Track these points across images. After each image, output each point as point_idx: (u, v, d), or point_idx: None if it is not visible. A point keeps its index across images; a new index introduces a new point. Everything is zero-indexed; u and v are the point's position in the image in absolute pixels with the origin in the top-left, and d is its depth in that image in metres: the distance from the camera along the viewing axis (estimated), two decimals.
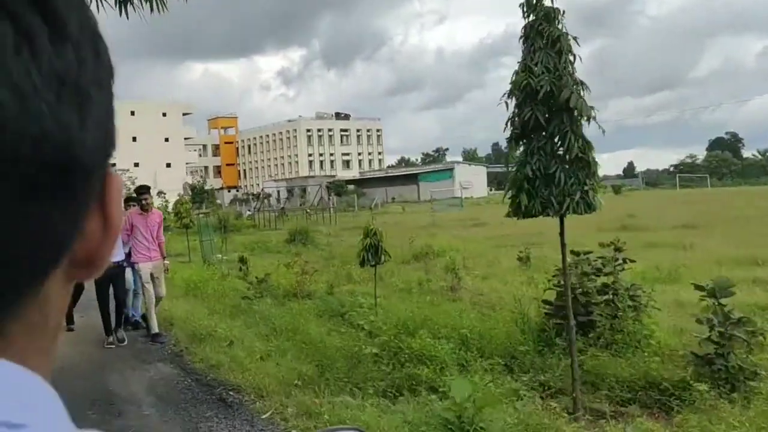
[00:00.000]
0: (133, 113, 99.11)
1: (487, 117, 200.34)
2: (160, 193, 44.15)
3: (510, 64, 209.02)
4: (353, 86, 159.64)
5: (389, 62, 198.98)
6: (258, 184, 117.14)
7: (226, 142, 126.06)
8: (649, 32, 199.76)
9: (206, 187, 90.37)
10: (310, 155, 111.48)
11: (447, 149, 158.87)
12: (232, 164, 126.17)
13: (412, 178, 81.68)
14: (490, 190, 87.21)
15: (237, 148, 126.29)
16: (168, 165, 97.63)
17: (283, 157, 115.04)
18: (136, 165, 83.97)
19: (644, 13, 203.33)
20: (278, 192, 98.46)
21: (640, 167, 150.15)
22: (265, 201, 70.16)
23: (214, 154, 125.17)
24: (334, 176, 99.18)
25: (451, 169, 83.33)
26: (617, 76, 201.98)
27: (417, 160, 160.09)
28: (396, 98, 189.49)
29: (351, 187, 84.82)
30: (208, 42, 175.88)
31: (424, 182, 79.50)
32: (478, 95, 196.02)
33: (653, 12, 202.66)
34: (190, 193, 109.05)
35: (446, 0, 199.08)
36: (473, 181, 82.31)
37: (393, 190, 78.88)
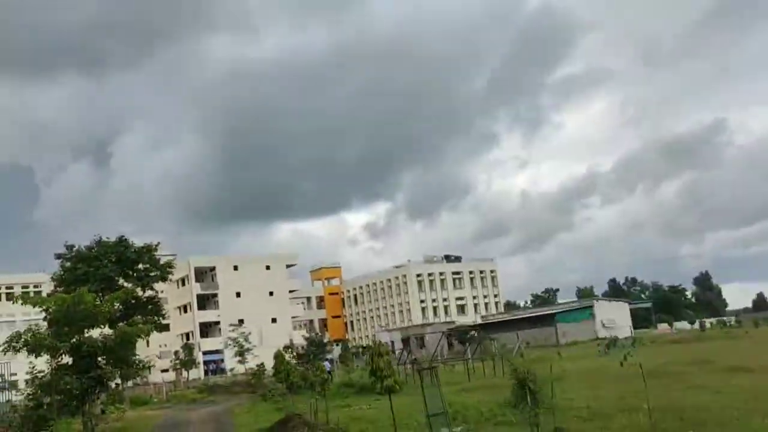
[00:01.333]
0: (236, 268, 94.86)
1: (577, 258, 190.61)
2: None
3: (594, 204, 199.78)
4: (440, 235, 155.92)
5: (474, 209, 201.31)
6: (367, 336, 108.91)
7: (330, 294, 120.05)
8: (739, 162, 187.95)
9: (324, 339, 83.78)
10: (422, 301, 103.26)
11: (557, 290, 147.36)
12: (338, 316, 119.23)
13: (545, 320, 71.40)
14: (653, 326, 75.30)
15: (342, 299, 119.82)
16: (273, 320, 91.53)
17: (393, 306, 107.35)
18: (241, 322, 77.43)
19: (732, 144, 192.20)
20: (392, 342, 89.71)
21: None
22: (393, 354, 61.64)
23: (319, 307, 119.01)
24: (452, 322, 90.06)
25: (590, 307, 72.83)
26: (712, 207, 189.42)
27: (527, 303, 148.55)
28: (484, 244, 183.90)
29: (473, 333, 75.07)
30: (297, 203, 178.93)
31: (562, 323, 69.19)
32: (567, 237, 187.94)
33: (741, 141, 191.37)
34: (301, 347, 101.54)
35: (527, 146, 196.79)
36: (616, 318, 71.47)
37: (525, 333, 68.42)
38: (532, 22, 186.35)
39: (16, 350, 20.02)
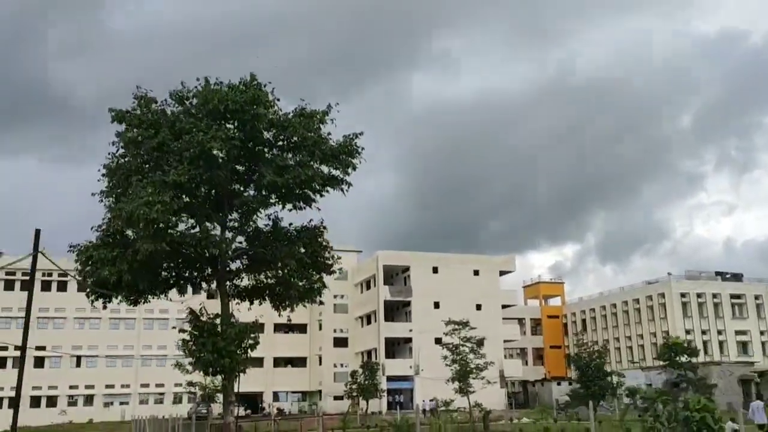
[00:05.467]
0: (436, 270, 72.70)
1: None
2: None
3: None
4: (631, 280, 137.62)
5: (671, 255, 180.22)
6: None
7: (549, 317, 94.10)
8: None
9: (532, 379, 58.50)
10: (687, 332, 74.25)
11: None
12: (558, 346, 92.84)
13: None
14: None
15: (565, 325, 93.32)
16: (479, 343, 67.92)
17: (641, 335, 79.27)
18: (438, 341, 54.13)
19: None
20: (647, 386, 62.62)
21: None
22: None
23: (533, 332, 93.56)
24: (751, 363, 61.38)
25: None
26: None
27: None
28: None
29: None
30: (483, 241, 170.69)
31: None
32: None
33: None
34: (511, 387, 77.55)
35: (735, 190, 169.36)
36: None
37: None
38: (749, 57, 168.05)
39: None
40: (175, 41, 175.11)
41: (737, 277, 79.51)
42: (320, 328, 77.36)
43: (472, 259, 75.10)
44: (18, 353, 69.22)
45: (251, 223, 18.81)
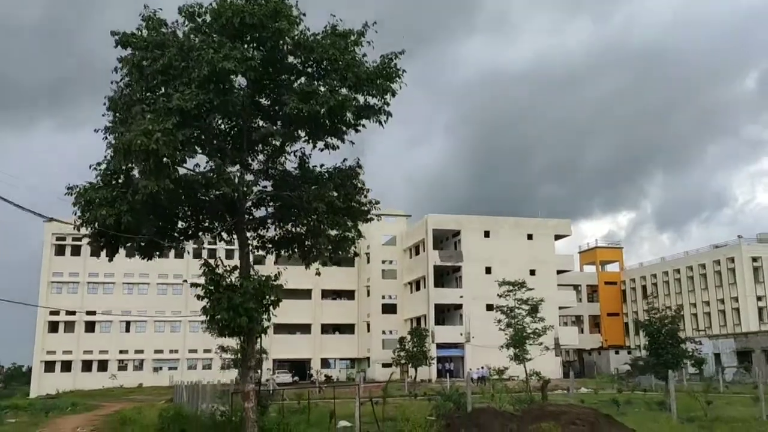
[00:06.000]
0: (487, 234, 69.88)
1: None
2: None
3: None
4: (689, 248, 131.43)
5: (731, 223, 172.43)
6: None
7: (607, 283, 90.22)
8: None
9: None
10: (759, 298, 69.74)
11: None
12: (617, 314, 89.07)
13: None
14: None
15: (623, 291, 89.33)
16: (535, 308, 64.97)
17: (708, 302, 74.95)
18: (489, 308, 51.62)
19: None
20: (715, 356, 59.34)
21: None
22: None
23: (590, 300, 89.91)
24: None
25: None
26: None
27: None
28: None
29: None
30: (536, 207, 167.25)
31: None
32: None
33: None
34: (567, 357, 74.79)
35: None
36: None
37: None
38: None
39: None
40: None
41: None
42: (368, 295, 75.54)
43: (526, 222, 71.88)
44: (69, 317, 69.51)
45: (277, 165, 16.33)
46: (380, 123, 15.47)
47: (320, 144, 16.05)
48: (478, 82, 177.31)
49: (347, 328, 78.16)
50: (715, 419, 18.69)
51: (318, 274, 17.01)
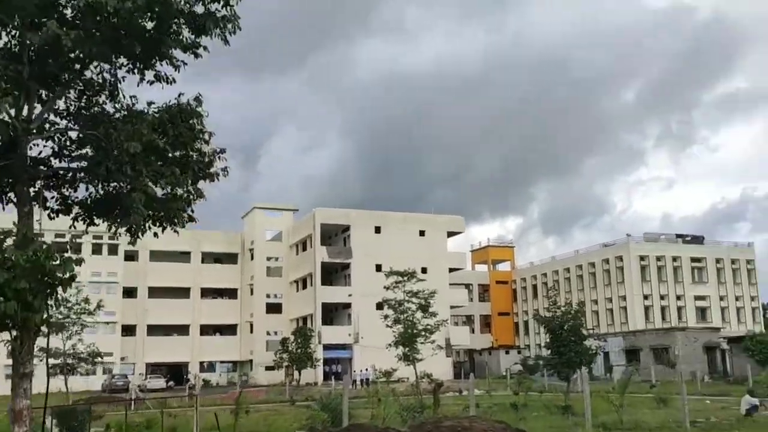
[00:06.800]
0: (378, 230, 66.57)
1: None
2: None
3: (744, 230, 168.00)
4: (571, 252, 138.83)
5: (610, 229, 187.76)
6: (545, 343, 76.96)
7: (498, 282, 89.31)
8: None
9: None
10: (646, 297, 70.14)
11: None
12: (507, 313, 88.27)
13: None
14: None
15: (514, 290, 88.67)
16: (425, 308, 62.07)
17: (596, 301, 74.86)
18: (380, 306, 47.90)
19: None
20: (604, 354, 58.59)
21: None
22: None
23: (481, 299, 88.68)
24: (717, 329, 57.43)
25: None
26: None
27: None
28: None
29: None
30: (427, 211, 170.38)
31: None
32: None
33: None
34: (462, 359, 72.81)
35: (674, 165, 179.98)
36: None
37: None
38: (698, 34, 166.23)
39: None
40: None
41: (698, 240, 75.76)
42: (252, 293, 70.56)
43: (417, 218, 69.25)
44: None
45: (92, 103, 11.90)
46: (224, 39, 11.41)
47: (149, 75, 11.80)
48: (375, 85, 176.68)
49: (229, 329, 72.75)
50: (635, 427, 15.76)
51: (133, 238, 12.58)
